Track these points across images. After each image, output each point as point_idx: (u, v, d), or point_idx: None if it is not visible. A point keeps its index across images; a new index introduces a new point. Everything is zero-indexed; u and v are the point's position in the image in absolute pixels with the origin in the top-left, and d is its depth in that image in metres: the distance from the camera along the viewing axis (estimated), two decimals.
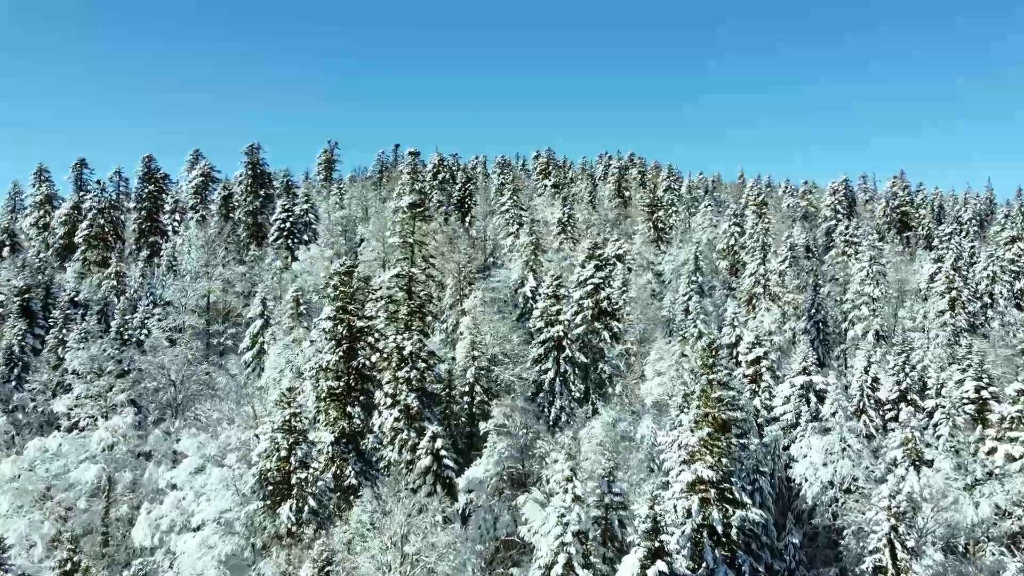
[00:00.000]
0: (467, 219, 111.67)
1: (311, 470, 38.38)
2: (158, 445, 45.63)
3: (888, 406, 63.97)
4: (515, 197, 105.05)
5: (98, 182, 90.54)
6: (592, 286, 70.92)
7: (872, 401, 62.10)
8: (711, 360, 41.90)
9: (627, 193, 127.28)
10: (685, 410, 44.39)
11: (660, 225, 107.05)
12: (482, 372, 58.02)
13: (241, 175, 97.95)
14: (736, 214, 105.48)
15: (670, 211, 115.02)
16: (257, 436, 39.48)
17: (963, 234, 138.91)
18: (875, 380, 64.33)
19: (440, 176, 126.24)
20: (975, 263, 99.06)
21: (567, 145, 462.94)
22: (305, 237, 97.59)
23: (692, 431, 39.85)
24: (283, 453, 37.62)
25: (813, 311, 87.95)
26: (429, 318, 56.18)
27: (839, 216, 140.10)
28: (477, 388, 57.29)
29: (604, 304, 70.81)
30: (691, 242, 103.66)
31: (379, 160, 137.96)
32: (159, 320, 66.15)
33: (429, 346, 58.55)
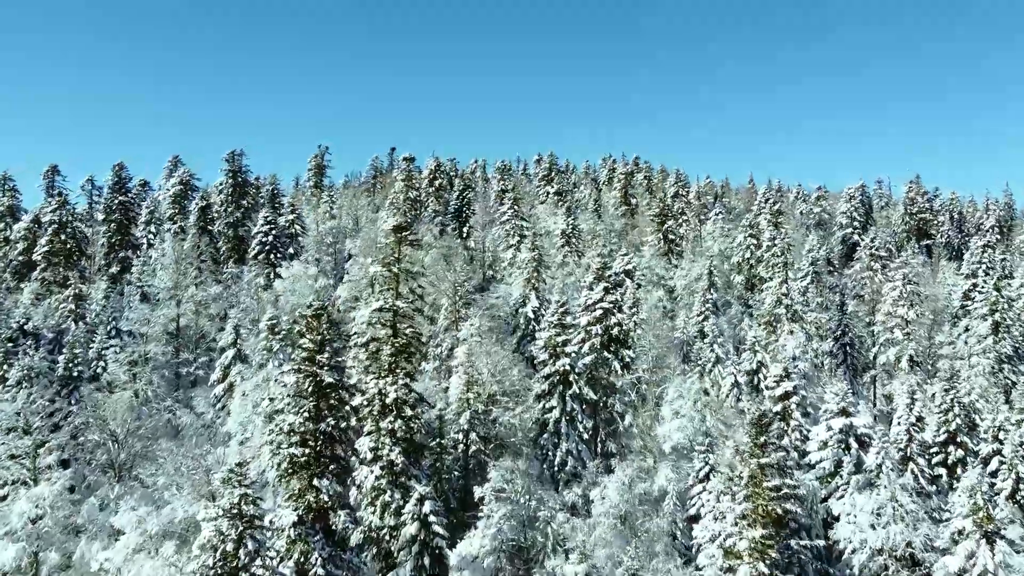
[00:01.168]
0: (465, 229, 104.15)
1: (266, 563, 30.93)
2: (93, 517, 38.18)
3: (935, 448, 56.47)
4: (516, 207, 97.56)
5: (59, 193, 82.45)
6: (601, 311, 63.39)
7: (918, 444, 54.59)
8: (761, 439, 34.23)
9: (634, 200, 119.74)
10: (727, 494, 36.63)
11: (671, 236, 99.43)
12: (478, 418, 50.48)
13: (221, 184, 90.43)
14: (751, 225, 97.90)
15: (680, 220, 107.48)
16: (199, 523, 31.97)
17: (986, 243, 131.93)
18: (919, 419, 56.84)
19: (437, 183, 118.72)
20: (1007, 276, 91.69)
21: (569, 148, 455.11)
22: (291, 250, 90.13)
23: (737, 525, 32.28)
24: (230, 546, 30.16)
25: (839, 333, 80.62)
26: (417, 356, 48.64)
27: (855, 223, 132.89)
28: (472, 436, 49.77)
29: (614, 331, 63.30)
30: (703, 255, 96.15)
31: (373, 166, 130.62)
32: (117, 352, 58.59)
33: (418, 387, 51.14)
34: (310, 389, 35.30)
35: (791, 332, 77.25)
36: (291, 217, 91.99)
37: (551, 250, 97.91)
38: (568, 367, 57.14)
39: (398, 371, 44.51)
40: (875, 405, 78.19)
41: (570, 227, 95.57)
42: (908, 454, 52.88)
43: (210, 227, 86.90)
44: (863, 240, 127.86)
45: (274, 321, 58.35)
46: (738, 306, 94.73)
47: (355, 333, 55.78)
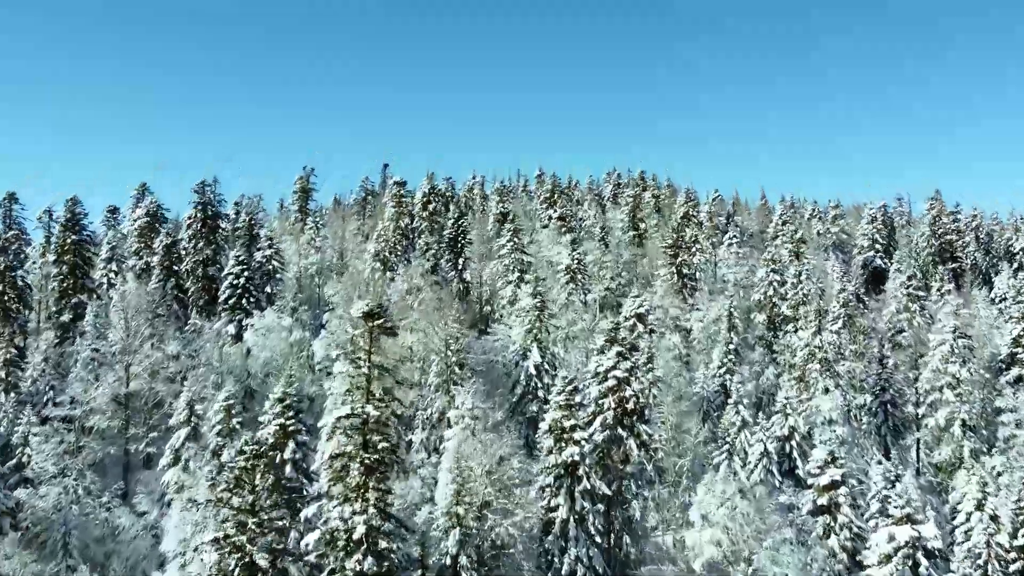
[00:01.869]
0: (460, 261, 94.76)
1: None
2: None
3: (1012, 555, 47.22)
4: (515, 238, 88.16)
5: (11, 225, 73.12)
6: (614, 380, 54.15)
7: (995, 557, 45.36)
8: None
9: (642, 225, 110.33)
10: None
11: (684, 271, 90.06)
12: (469, 535, 41.16)
13: (190, 218, 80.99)
14: (772, 259, 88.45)
15: (693, 249, 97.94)
16: None
17: (1016, 268, 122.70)
18: (993, 518, 47.62)
19: (431, 207, 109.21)
20: None
21: (569, 153, 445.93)
22: (268, 289, 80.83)
23: None
24: None
25: (878, 388, 71.39)
26: (395, 470, 39.41)
27: (878, 246, 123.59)
28: (462, 560, 40.42)
29: (630, 403, 54.05)
30: (721, 293, 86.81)
31: (363, 187, 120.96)
32: (43, 442, 49.28)
33: (398, 491, 42.06)
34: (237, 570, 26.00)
35: (826, 390, 68.06)
36: (268, 252, 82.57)
37: (554, 286, 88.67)
38: (577, 457, 47.96)
39: (368, 495, 35.22)
40: (919, 473, 69.07)
41: (575, 262, 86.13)
42: (988, 572, 43.64)
43: (177, 267, 77.43)
44: (890, 266, 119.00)
45: (230, 401, 48.94)
46: (760, 348, 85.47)
47: (322, 426, 46.39)
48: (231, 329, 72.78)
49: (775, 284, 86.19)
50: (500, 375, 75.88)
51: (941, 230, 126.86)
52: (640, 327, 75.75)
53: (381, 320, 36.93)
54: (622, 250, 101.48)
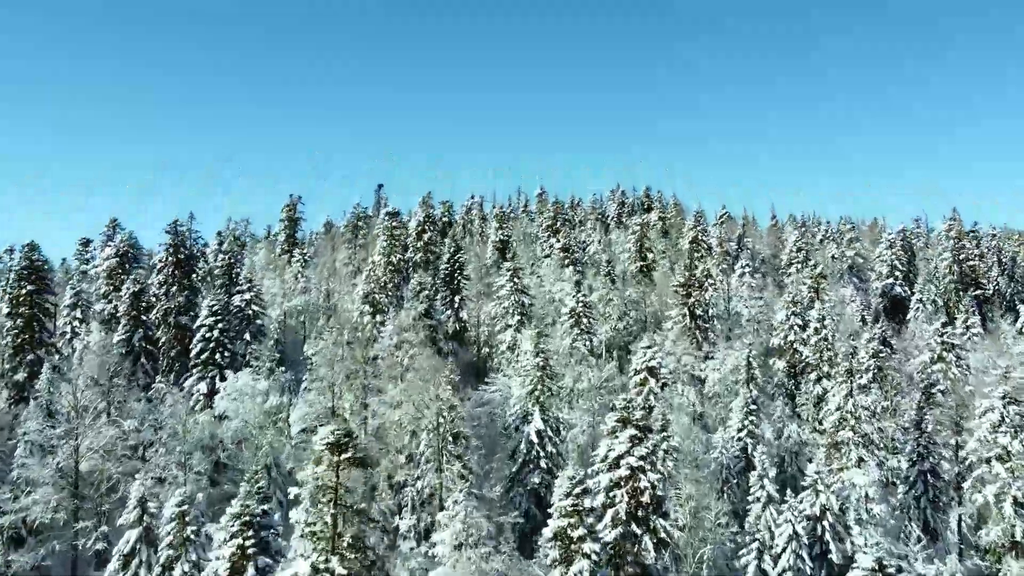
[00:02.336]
0: (456, 299, 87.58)
1: None
2: None
3: None
4: (516, 278, 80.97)
5: None
6: (627, 469, 47.09)
7: None
8: None
9: (650, 255, 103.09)
10: None
11: (697, 312, 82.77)
12: None
13: (161, 261, 73.78)
14: (794, 300, 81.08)
15: (705, 284, 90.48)
16: None
17: None
18: None
19: (425, 236, 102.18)
20: None
21: (572, 153, 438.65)
22: (247, 335, 73.86)
23: None
24: None
25: (916, 455, 64.16)
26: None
27: (897, 272, 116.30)
28: None
29: (645, 496, 46.96)
30: (737, 330, 79.66)
31: (355, 214, 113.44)
32: None
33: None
34: None
35: (860, 460, 60.83)
36: (248, 296, 75.46)
37: (557, 329, 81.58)
38: (588, 572, 40.86)
39: None
40: (963, 555, 61.87)
41: (580, 304, 78.87)
42: None
43: (146, 316, 70.24)
44: (910, 295, 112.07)
45: (184, 507, 41.76)
46: (781, 398, 78.27)
47: (296, 522, 39.31)
48: (203, 387, 65.76)
49: (796, 328, 78.95)
50: (498, 433, 69.02)
51: (963, 255, 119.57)
52: (651, 381, 68.79)
53: (350, 453, 29.68)
54: (629, 286, 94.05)
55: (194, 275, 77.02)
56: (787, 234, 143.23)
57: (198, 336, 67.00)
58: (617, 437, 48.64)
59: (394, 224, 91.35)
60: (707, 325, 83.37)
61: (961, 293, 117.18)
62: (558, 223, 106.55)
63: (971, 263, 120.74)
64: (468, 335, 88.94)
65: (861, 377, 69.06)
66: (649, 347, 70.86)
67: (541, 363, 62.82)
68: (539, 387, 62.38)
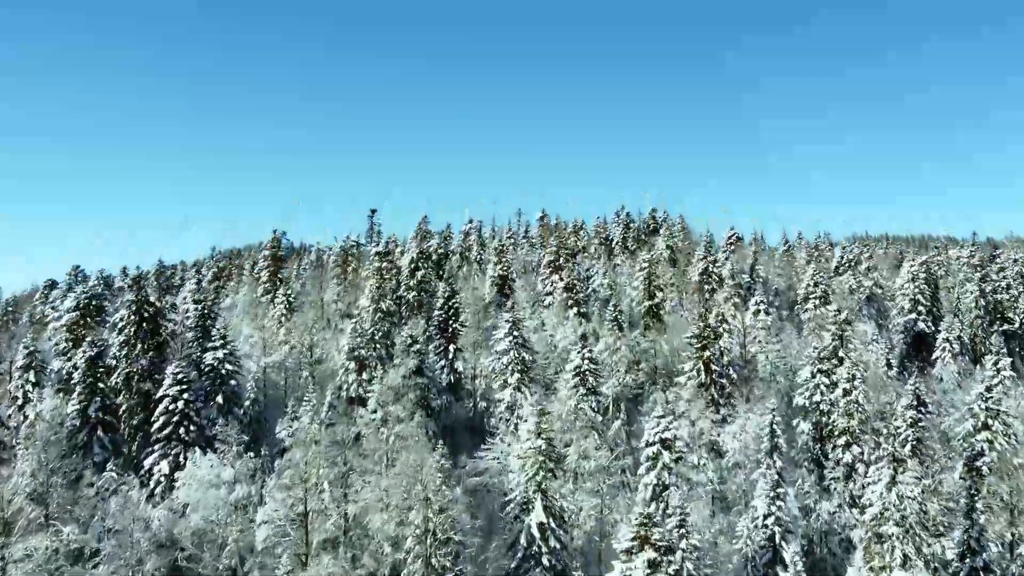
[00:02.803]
0: (451, 349, 79.91)
1: None
2: None
3: None
4: (515, 331, 73.26)
5: None
6: None
7: None
8: None
9: (659, 295, 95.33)
10: None
11: (713, 367, 75.04)
12: None
13: (123, 320, 66.13)
14: (820, 356, 73.25)
15: (720, 329, 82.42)
16: None
17: None
18: None
19: (419, 274, 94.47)
20: None
21: (572, 156, 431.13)
22: (220, 398, 66.37)
23: None
24: None
25: (967, 548, 56.38)
26: None
27: (920, 307, 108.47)
28: None
29: None
30: (761, 399, 71.81)
31: (343, 247, 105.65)
32: None
33: None
34: None
35: (905, 559, 53.22)
36: (221, 354, 67.84)
37: (561, 382, 74.01)
38: None
39: None
40: None
41: (585, 361, 71.14)
42: None
43: (103, 383, 62.57)
44: (936, 331, 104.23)
45: None
46: (806, 464, 70.71)
47: None
48: (164, 467, 58.20)
49: (823, 387, 71.24)
50: (496, 509, 61.59)
51: (991, 287, 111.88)
52: (665, 455, 61.00)
53: None
54: (636, 327, 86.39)
55: (163, 330, 69.24)
56: (799, 259, 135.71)
57: (160, 408, 59.43)
58: (633, 560, 41.10)
59: (384, 264, 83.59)
60: (723, 380, 75.57)
61: (988, 328, 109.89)
62: (560, 258, 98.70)
63: (997, 295, 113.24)
64: (464, 387, 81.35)
65: (898, 443, 61.51)
66: (662, 416, 63.14)
67: (544, 445, 55.20)
68: (541, 472, 54.80)
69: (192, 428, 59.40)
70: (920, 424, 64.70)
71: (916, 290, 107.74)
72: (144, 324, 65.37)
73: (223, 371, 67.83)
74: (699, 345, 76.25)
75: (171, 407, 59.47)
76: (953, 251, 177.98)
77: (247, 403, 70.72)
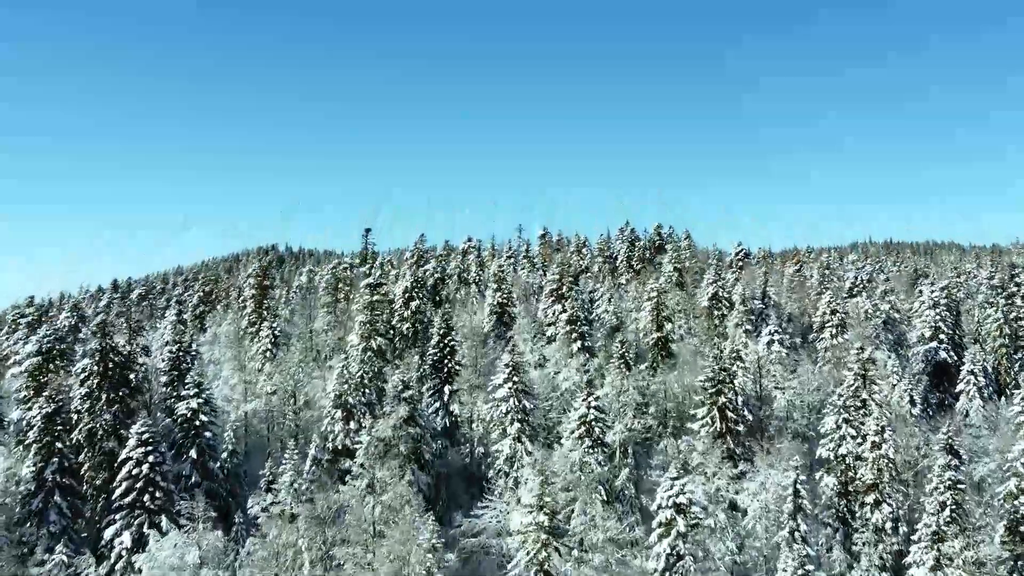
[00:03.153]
0: (447, 390, 73.84)
1: None
2: None
3: None
4: (515, 377, 67.13)
5: None
6: None
7: None
8: None
9: (668, 326, 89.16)
10: None
11: (729, 414, 68.90)
12: None
13: (85, 370, 59.98)
14: (846, 405, 67.08)
15: (734, 369, 76.09)
16: None
17: None
18: None
19: (413, 305, 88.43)
20: None
21: (570, 160, 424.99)
22: (193, 452, 60.41)
23: None
24: None
25: None
26: None
27: (942, 335, 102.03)
28: None
29: None
30: (781, 452, 65.64)
31: (334, 275, 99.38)
32: None
33: None
34: None
35: None
36: (195, 404, 61.81)
37: (565, 426, 67.94)
38: None
39: None
40: None
41: (591, 410, 64.99)
42: None
43: (62, 443, 56.46)
44: (959, 362, 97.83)
45: None
46: (831, 524, 64.63)
47: None
48: (126, 540, 52.11)
49: (849, 437, 65.17)
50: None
51: (1015, 314, 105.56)
52: (679, 522, 54.89)
53: None
54: (647, 377, 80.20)
55: (134, 375, 63.16)
56: (811, 279, 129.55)
57: (123, 472, 53.38)
58: None
59: (374, 299, 77.41)
60: (740, 428, 69.38)
61: (1013, 357, 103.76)
62: (563, 286, 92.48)
63: (1020, 321, 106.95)
64: (460, 430, 75.30)
65: (940, 514, 55.50)
66: (676, 477, 57.05)
67: (546, 521, 49.14)
68: (544, 551, 48.74)
69: (158, 495, 53.34)
70: (960, 485, 58.57)
71: (937, 317, 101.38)
72: (110, 374, 59.29)
73: (197, 422, 61.84)
74: (713, 389, 70.09)
75: (134, 471, 53.43)
76: (967, 263, 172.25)
77: (224, 454, 64.73)
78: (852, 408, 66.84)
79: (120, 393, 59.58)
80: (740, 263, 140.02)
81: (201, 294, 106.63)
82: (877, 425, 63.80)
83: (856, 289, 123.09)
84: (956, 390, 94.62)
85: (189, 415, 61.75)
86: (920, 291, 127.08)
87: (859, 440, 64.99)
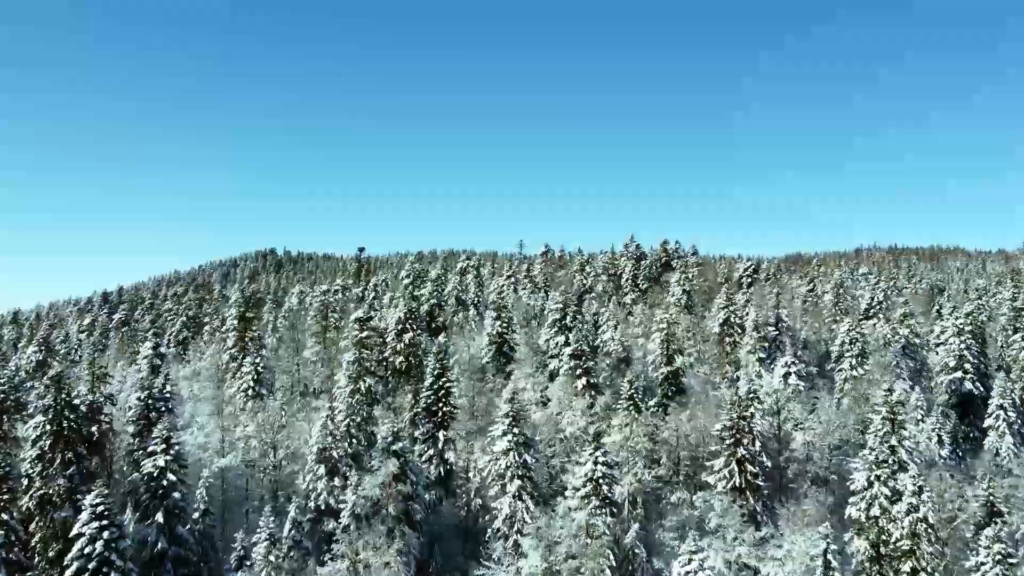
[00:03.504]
0: (441, 436, 67.51)
1: None
2: None
3: None
4: (515, 428, 60.77)
5: None
6: None
7: None
8: None
9: (678, 360, 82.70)
10: None
11: (747, 467, 62.53)
12: None
13: (36, 428, 53.35)
14: (877, 460, 60.65)
15: (751, 412, 69.45)
16: None
17: None
18: None
19: (407, 337, 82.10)
20: None
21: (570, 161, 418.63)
22: (160, 516, 54.02)
23: None
24: None
25: None
26: None
27: (967, 365, 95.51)
28: None
29: None
30: (807, 520, 59.20)
31: (323, 303, 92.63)
32: None
33: None
34: None
35: None
36: (163, 462, 55.53)
37: (570, 488, 61.48)
38: None
39: None
40: None
41: (599, 467, 58.56)
42: None
43: (7, 515, 50.04)
44: (987, 393, 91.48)
45: None
46: None
47: None
48: None
49: (883, 498, 58.75)
50: None
51: None
52: None
53: None
54: (657, 412, 73.79)
55: (96, 428, 56.86)
56: (825, 300, 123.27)
57: (75, 550, 47.06)
58: None
59: (365, 333, 70.99)
60: (760, 483, 63.01)
61: None
62: (567, 315, 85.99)
63: None
64: (456, 479, 69.02)
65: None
66: (693, 552, 50.83)
67: None
68: None
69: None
70: (1010, 558, 52.27)
71: (962, 346, 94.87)
72: (65, 433, 52.95)
73: (165, 482, 55.52)
74: (731, 440, 63.70)
75: (87, 549, 47.15)
76: (981, 280, 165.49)
77: (197, 514, 58.39)
78: (883, 463, 60.38)
79: (77, 452, 53.22)
80: (749, 279, 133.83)
81: (184, 319, 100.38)
82: (914, 484, 57.39)
83: (872, 311, 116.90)
84: (984, 424, 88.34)
85: (156, 473, 55.44)
86: (938, 310, 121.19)
87: (893, 497, 58.64)
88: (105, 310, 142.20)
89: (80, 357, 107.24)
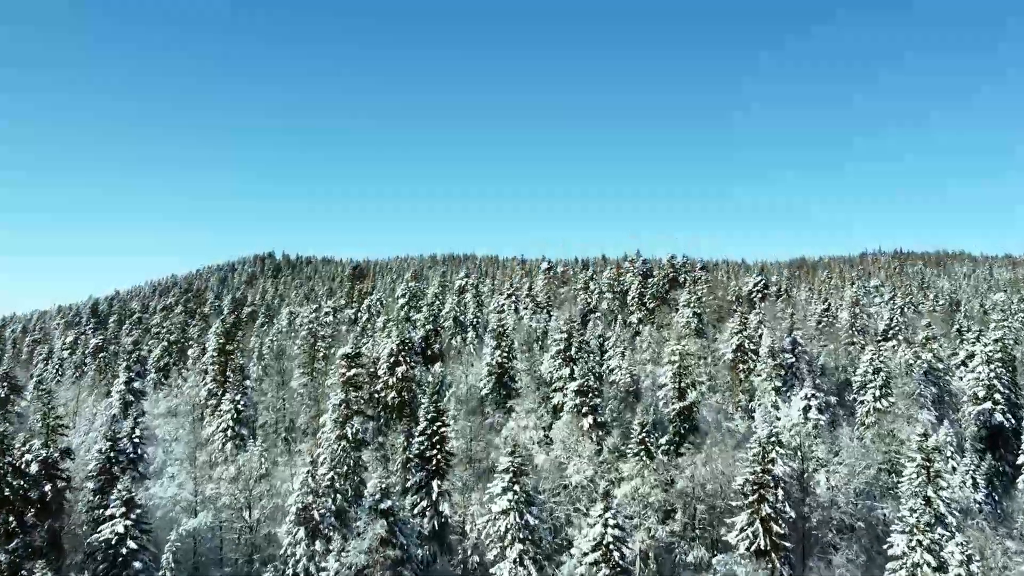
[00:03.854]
0: (436, 486, 61.11)
1: None
2: None
3: None
4: (515, 484, 54.40)
5: None
6: None
7: None
8: None
9: (690, 394, 76.17)
10: None
11: (772, 527, 56.17)
12: None
13: None
14: (912, 508, 54.20)
15: (772, 456, 62.94)
16: None
17: None
18: None
19: (400, 370, 75.73)
20: None
21: (567, 161, 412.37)
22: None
23: None
24: None
25: None
26: None
27: (998, 394, 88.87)
28: None
29: None
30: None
31: (311, 331, 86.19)
32: None
33: None
34: None
35: None
36: (123, 528, 49.28)
37: (577, 554, 55.10)
38: None
39: None
40: None
41: (610, 529, 52.15)
42: None
43: None
44: (1019, 425, 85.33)
45: None
46: None
47: None
48: None
49: (926, 566, 52.35)
50: None
51: None
52: None
53: None
54: (669, 455, 67.41)
55: (49, 487, 50.52)
56: (842, 319, 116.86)
57: None
58: None
59: (353, 371, 64.50)
60: (787, 544, 56.62)
61: None
62: (571, 346, 79.52)
63: None
64: (451, 533, 62.68)
65: None
66: None
67: None
68: None
69: None
70: None
71: (992, 374, 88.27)
72: (9, 499, 46.60)
73: (124, 550, 49.25)
74: (754, 496, 57.30)
75: None
76: (1000, 295, 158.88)
77: None
78: (925, 526, 53.93)
79: (23, 520, 46.94)
80: (760, 294, 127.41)
81: (166, 343, 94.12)
82: (962, 553, 51.08)
83: (891, 332, 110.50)
84: (1017, 461, 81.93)
85: (115, 540, 49.20)
86: (959, 330, 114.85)
87: (936, 566, 52.29)
88: (91, 324, 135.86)
89: (57, 382, 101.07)
